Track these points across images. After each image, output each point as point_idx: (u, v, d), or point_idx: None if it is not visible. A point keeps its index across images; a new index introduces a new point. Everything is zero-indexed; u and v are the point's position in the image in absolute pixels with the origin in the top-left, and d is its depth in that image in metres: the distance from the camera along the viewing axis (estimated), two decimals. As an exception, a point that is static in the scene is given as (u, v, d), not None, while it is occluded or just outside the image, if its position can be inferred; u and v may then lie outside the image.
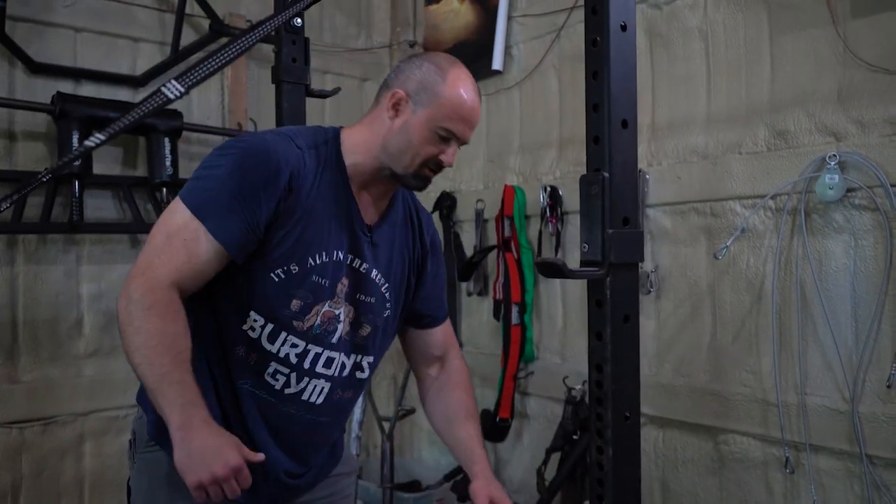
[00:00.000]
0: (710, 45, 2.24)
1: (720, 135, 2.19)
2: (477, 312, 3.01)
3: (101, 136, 0.86)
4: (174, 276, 1.19)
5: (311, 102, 2.01)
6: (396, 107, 1.32)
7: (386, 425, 2.87)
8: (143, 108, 0.88)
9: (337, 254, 1.31)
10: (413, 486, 2.98)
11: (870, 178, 1.83)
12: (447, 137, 1.31)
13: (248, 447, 1.25)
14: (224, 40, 2.80)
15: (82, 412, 2.48)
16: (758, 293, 2.09)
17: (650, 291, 2.31)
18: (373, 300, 1.38)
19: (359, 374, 1.41)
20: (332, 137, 1.33)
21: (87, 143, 0.87)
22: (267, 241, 1.24)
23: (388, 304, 1.42)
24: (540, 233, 2.67)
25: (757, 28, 2.12)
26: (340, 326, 1.34)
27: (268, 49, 2.64)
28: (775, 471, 2.05)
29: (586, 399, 2.46)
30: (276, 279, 1.26)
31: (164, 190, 2.56)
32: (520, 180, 2.83)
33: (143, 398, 1.38)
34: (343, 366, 1.37)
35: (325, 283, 1.29)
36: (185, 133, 2.65)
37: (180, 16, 2.64)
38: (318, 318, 1.31)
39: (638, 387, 1.06)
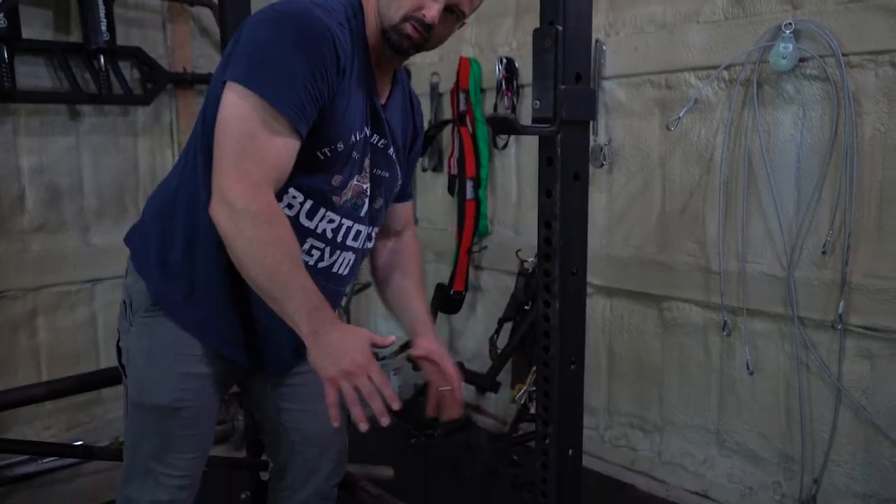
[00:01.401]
0: None
1: (679, 3, 2.15)
2: (432, 188, 3.00)
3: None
4: (271, 174, 1.16)
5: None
6: None
7: (342, 300, 2.91)
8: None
9: (365, 129, 1.31)
10: (370, 357, 3.07)
11: (822, 48, 1.83)
12: None
13: (265, 321, 1.30)
14: None
15: (32, 287, 2.44)
16: (707, 165, 2.12)
17: (603, 164, 2.33)
18: (387, 175, 1.40)
19: (367, 245, 1.44)
20: (358, 9, 1.29)
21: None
22: (321, 119, 1.21)
23: (399, 179, 1.45)
24: (495, 106, 2.64)
25: None
26: (367, 200, 1.36)
27: None
28: (714, 334, 2.16)
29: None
30: (323, 157, 1.24)
31: (102, 57, 2.42)
32: (476, 52, 2.75)
33: (142, 267, 1.36)
34: (367, 238, 1.41)
35: (358, 157, 1.30)
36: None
37: None
38: (351, 192, 1.32)
39: (585, 244, 1.08)
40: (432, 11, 1.23)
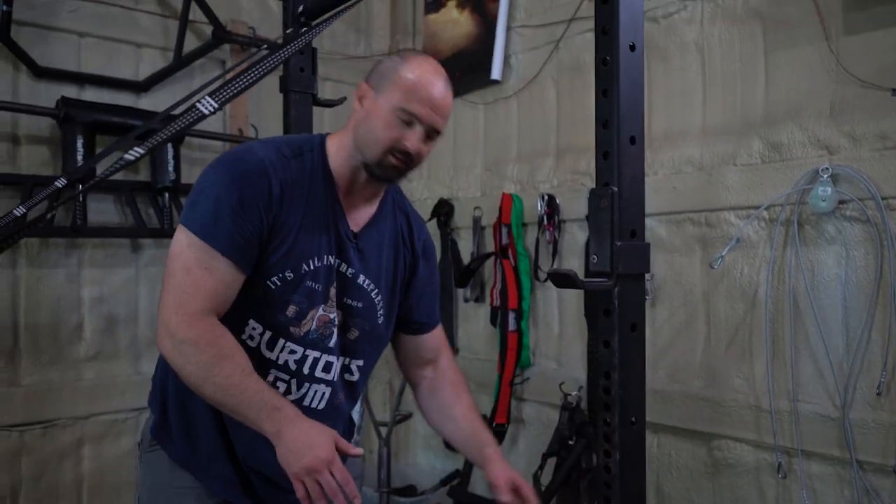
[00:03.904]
0: (706, 58, 2.29)
1: (715, 146, 2.24)
2: (474, 319, 3.04)
3: (141, 150, 0.89)
4: (207, 305, 1.22)
5: (308, 109, 2.05)
6: (361, 99, 1.32)
7: (383, 430, 2.90)
8: (181, 123, 0.90)
9: (328, 258, 1.32)
10: (409, 490, 3.01)
11: (861, 191, 1.88)
12: (408, 121, 1.27)
13: (248, 454, 1.31)
14: (227, 47, 2.84)
15: (82, 415, 2.49)
16: (751, 302, 2.14)
17: (646, 299, 2.35)
18: (360, 305, 1.39)
19: (347, 377, 1.42)
20: (317, 144, 1.35)
21: (126, 156, 0.90)
22: (264, 249, 1.26)
23: (380, 311, 1.42)
24: (537, 240, 2.72)
25: (752, 43, 2.17)
26: (336, 330, 1.35)
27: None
28: (768, 476, 2.09)
29: (582, 405, 2.50)
30: (273, 286, 1.28)
31: (167, 195, 2.58)
32: (517, 188, 2.87)
33: (152, 399, 1.43)
34: (341, 370, 1.39)
35: (318, 287, 1.31)
36: (187, 139, 2.67)
37: (184, 22, 2.67)
38: (314, 323, 1.32)
39: (643, 393, 1.10)
40: (415, 143, 1.28)
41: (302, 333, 1.32)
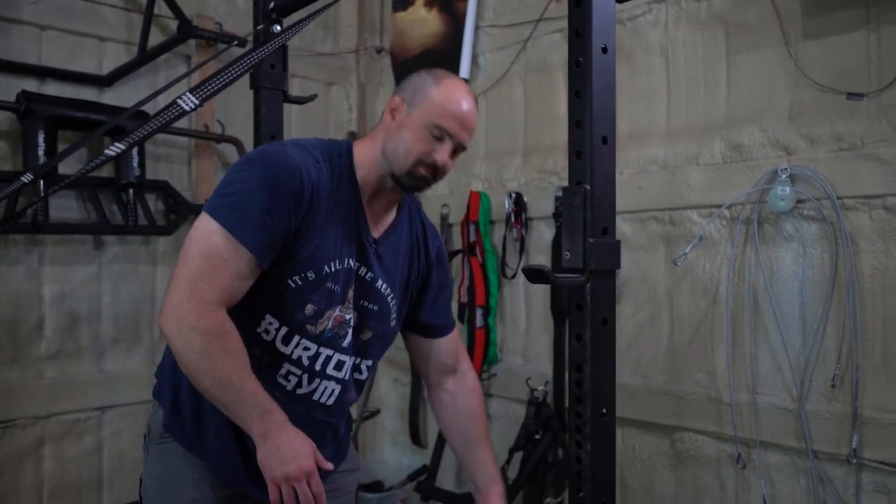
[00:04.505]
0: (670, 60, 2.35)
1: (679, 147, 2.30)
2: (441, 315, 3.06)
3: (122, 146, 0.88)
4: (221, 295, 1.23)
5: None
6: (394, 112, 1.39)
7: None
8: (161, 119, 0.90)
9: (349, 262, 1.37)
10: (376, 486, 3.02)
11: (818, 191, 1.95)
12: (439, 136, 1.35)
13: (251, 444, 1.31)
14: (193, 43, 2.81)
15: (43, 415, 2.45)
16: (713, 298, 2.20)
17: (611, 296, 2.40)
18: (376, 308, 1.43)
19: (357, 376, 1.47)
20: (345, 151, 1.39)
21: (107, 151, 0.90)
22: (288, 249, 1.29)
23: (393, 314, 1.48)
24: (504, 238, 2.75)
25: (715, 46, 2.23)
26: (351, 331, 1.40)
27: (237, 52, 2.65)
28: (728, 467, 2.16)
29: (548, 400, 2.54)
30: (294, 285, 1.31)
31: (131, 191, 2.55)
32: (485, 186, 2.90)
33: (160, 392, 1.44)
34: (352, 369, 1.44)
35: (337, 289, 1.35)
36: (152, 134, 2.64)
37: (148, 16, 2.62)
38: (330, 323, 1.36)
39: (613, 385, 1.13)
40: (444, 156, 1.35)
41: (318, 332, 1.36)
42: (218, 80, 0.89)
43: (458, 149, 1.39)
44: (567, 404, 2.45)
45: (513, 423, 2.70)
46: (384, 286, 1.44)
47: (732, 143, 2.17)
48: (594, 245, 1.09)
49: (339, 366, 1.40)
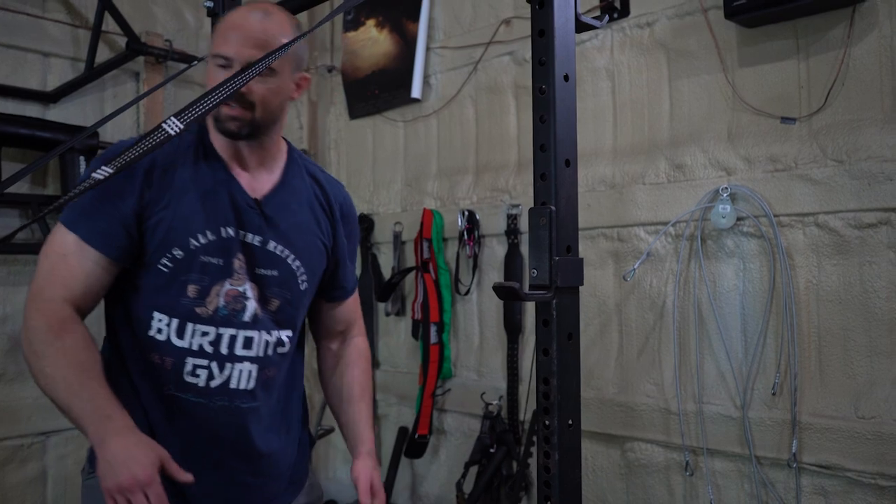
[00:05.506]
0: (616, 84, 2.45)
1: (625, 166, 2.40)
2: (395, 332, 3.08)
3: (109, 169, 0.89)
4: (63, 293, 1.20)
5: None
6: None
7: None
8: (146, 144, 0.90)
9: (226, 230, 1.29)
10: (330, 505, 3.01)
11: (756, 209, 2.07)
12: (224, 65, 1.26)
13: (186, 465, 1.24)
14: (142, 59, 2.78)
15: (-15, 441, 2.37)
16: (660, 311, 2.29)
17: (563, 310, 2.47)
18: (275, 273, 1.35)
19: (280, 350, 1.38)
20: (203, 126, 1.35)
21: (95, 175, 0.90)
22: (143, 234, 1.26)
23: (301, 277, 1.39)
24: (458, 255, 2.80)
25: (658, 71, 2.34)
26: (250, 304, 1.32)
27: (176, 68, 2.64)
28: (676, 474, 2.24)
29: (502, 414, 2.59)
30: (166, 269, 1.27)
31: (78, 209, 2.49)
32: (438, 204, 2.94)
33: None
34: (267, 344, 1.35)
35: (217, 261, 1.29)
36: (99, 151, 2.59)
37: (96, 32, 2.59)
38: (222, 299, 1.29)
39: (579, 397, 1.18)
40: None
41: (210, 312, 1.29)
42: (201, 104, 0.90)
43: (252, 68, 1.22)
44: (519, 417, 2.50)
45: (467, 437, 2.74)
46: (280, 248, 1.35)
47: (676, 163, 2.27)
48: (560, 263, 1.14)
49: (248, 343, 1.32)
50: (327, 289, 1.51)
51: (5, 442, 2.42)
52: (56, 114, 2.59)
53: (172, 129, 0.88)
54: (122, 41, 2.69)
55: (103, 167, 0.94)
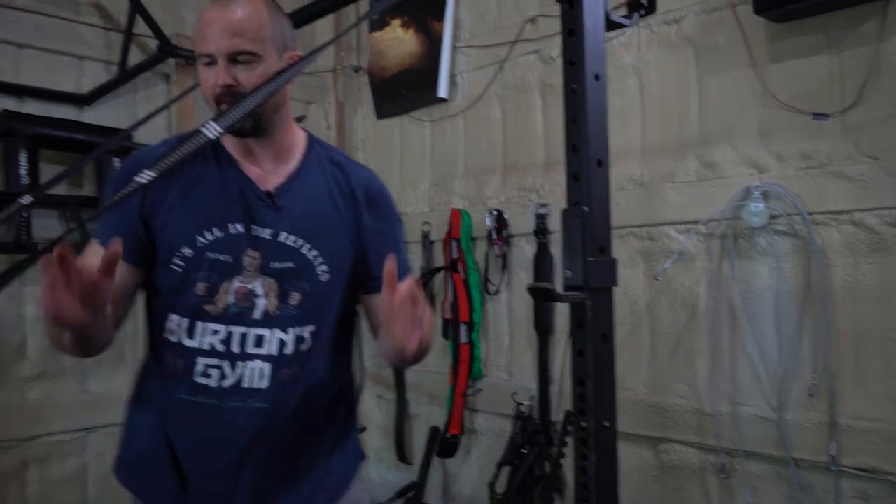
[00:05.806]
0: (643, 81, 2.43)
1: (654, 165, 2.38)
2: (423, 331, 3.08)
3: (152, 173, 0.90)
4: None
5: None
6: None
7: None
8: (187, 148, 0.92)
9: (234, 227, 1.29)
10: None
11: (789, 207, 2.04)
12: (207, 63, 1.26)
13: (203, 477, 1.31)
14: (172, 61, 2.82)
15: (26, 437, 2.41)
16: (692, 311, 2.27)
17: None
18: (290, 265, 1.31)
19: (303, 347, 1.33)
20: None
21: (137, 178, 0.91)
22: (153, 235, 1.30)
23: (321, 268, 1.34)
24: (486, 255, 2.79)
25: (686, 67, 2.31)
26: (261, 301, 1.30)
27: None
28: (712, 476, 2.22)
29: (534, 414, 2.59)
30: (179, 269, 1.29)
31: (113, 211, 2.53)
32: (466, 204, 2.94)
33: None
34: (282, 343, 1.31)
35: (226, 259, 1.29)
36: (132, 152, 2.63)
37: (128, 35, 2.63)
38: (232, 297, 1.29)
39: (614, 398, 1.18)
40: (216, 79, 1.24)
41: (220, 310, 1.28)
42: (238, 109, 0.91)
43: (238, 59, 1.24)
44: (550, 418, 2.50)
45: (499, 437, 2.74)
46: (293, 239, 1.31)
47: (706, 160, 2.25)
48: (593, 264, 1.13)
49: (260, 342, 1.29)
50: (361, 279, 1.41)
51: (46, 438, 2.46)
52: (90, 116, 2.63)
53: (212, 133, 0.89)
54: (153, 44, 2.72)
55: (145, 171, 0.95)
